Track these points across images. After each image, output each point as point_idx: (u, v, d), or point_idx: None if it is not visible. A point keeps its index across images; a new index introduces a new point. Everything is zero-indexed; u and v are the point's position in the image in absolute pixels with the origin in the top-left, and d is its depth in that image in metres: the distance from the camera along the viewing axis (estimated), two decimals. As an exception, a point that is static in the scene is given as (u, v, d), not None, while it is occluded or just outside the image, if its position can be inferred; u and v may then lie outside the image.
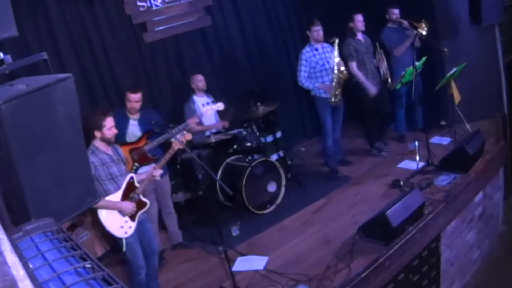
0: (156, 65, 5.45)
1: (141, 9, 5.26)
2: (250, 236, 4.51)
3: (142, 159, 4.11)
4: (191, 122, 4.29)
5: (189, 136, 3.74)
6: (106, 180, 3.42)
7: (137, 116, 4.21)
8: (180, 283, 4.03)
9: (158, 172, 3.60)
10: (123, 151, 3.98)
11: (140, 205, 3.53)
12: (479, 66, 5.41)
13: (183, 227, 4.68)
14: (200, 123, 5.04)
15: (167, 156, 3.69)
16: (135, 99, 4.10)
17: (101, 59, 5.01)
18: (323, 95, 5.23)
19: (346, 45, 5.27)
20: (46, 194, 1.69)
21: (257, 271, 3.88)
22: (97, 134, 3.42)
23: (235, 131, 5.19)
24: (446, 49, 5.27)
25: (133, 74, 5.24)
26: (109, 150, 3.50)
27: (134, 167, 4.08)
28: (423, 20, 5.07)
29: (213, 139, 4.90)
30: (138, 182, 3.54)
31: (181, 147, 3.66)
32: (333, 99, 5.20)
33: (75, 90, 1.75)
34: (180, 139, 3.65)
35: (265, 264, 3.96)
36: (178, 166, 4.83)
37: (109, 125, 3.43)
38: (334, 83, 5.13)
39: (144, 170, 4.05)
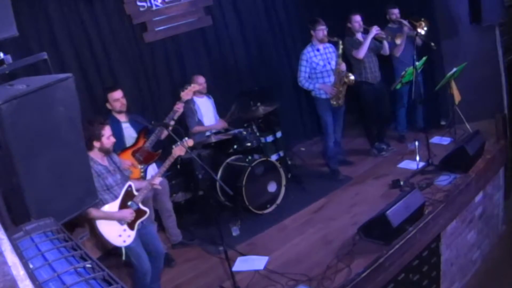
0: (156, 65, 5.45)
1: (141, 9, 5.25)
2: (250, 236, 4.50)
3: (147, 158, 4.12)
4: (178, 108, 4.22)
5: (191, 142, 3.72)
6: (102, 191, 3.36)
7: (127, 118, 4.22)
8: (180, 283, 4.03)
9: (158, 180, 3.58)
10: (126, 157, 3.98)
11: (139, 213, 3.48)
12: (479, 66, 5.41)
13: (183, 227, 4.68)
14: (200, 123, 5.04)
15: (167, 164, 3.66)
16: (120, 95, 4.14)
17: (101, 59, 5.01)
18: (323, 96, 5.21)
19: (346, 41, 5.26)
20: (46, 194, 1.69)
21: (257, 271, 3.88)
22: (96, 144, 3.38)
23: (235, 131, 5.19)
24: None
25: (133, 74, 5.24)
26: (104, 161, 3.47)
27: (142, 170, 4.08)
28: (422, 19, 5.07)
29: (213, 139, 4.90)
30: (137, 190, 3.50)
31: (181, 153, 3.65)
32: (334, 102, 5.17)
33: (75, 90, 1.75)
34: (181, 145, 3.64)
35: (265, 264, 3.96)
36: (178, 166, 4.82)
37: (107, 134, 3.40)
38: (335, 83, 5.12)
39: (153, 168, 4.14)
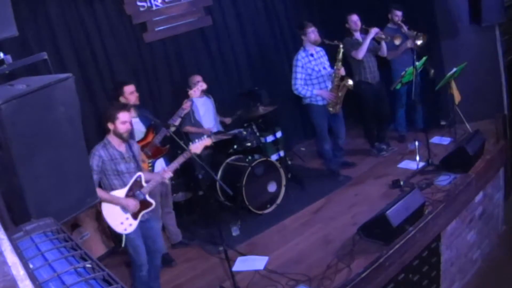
0: (156, 65, 5.45)
1: (141, 9, 5.25)
2: (250, 236, 4.51)
3: (156, 152, 4.16)
4: (186, 106, 4.28)
5: (209, 141, 3.72)
6: (112, 175, 3.44)
7: (136, 113, 4.26)
8: (180, 283, 4.03)
9: (168, 175, 3.60)
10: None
11: (145, 204, 3.52)
12: (479, 66, 5.41)
13: (183, 227, 4.68)
14: (196, 123, 5.02)
15: (181, 160, 3.68)
16: (134, 88, 4.20)
17: (101, 59, 5.01)
18: (320, 103, 5.13)
19: (346, 41, 5.24)
20: (46, 194, 1.69)
21: (257, 271, 3.88)
22: (110, 126, 3.44)
23: (235, 131, 5.19)
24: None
25: (133, 74, 5.24)
26: (121, 147, 3.50)
27: (150, 164, 4.11)
28: (423, 34, 5.12)
29: (213, 139, 4.88)
30: (147, 182, 3.54)
31: (198, 152, 3.64)
32: (331, 108, 5.11)
33: (75, 90, 1.75)
34: (197, 145, 3.64)
35: (265, 264, 3.96)
36: (178, 166, 4.83)
37: (122, 119, 3.43)
38: (332, 89, 5.07)
39: (160, 163, 4.20)
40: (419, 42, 5.10)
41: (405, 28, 5.33)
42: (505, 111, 5.48)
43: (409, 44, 5.32)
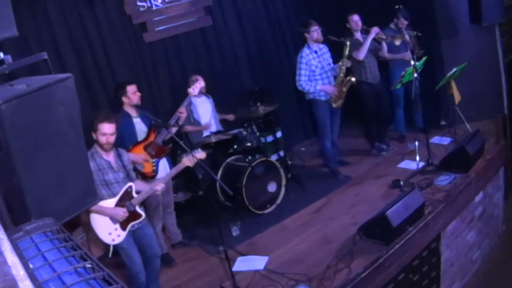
0: (156, 65, 5.45)
1: (141, 9, 5.26)
2: (250, 236, 4.51)
3: (159, 152, 4.16)
4: (181, 112, 4.26)
5: (202, 155, 3.71)
6: (100, 185, 3.36)
7: (137, 113, 4.26)
8: (180, 283, 4.03)
9: (160, 187, 3.55)
10: (139, 151, 3.98)
11: (133, 216, 3.47)
12: (479, 66, 5.41)
13: (183, 227, 4.68)
14: (196, 123, 5.02)
15: (173, 172, 3.67)
16: (136, 88, 4.21)
17: (101, 59, 5.01)
18: (323, 98, 5.19)
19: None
20: (46, 194, 1.69)
21: (257, 271, 3.88)
22: (94, 136, 3.40)
23: (235, 131, 5.19)
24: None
25: (133, 74, 5.24)
26: (109, 156, 3.45)
27: (154, 164, 4.11)
28: (423, 51, 5.14)
29: (213, 139, 4.90)
30: (137, 192, 3.48)
31: (190, 165, 3.61)
32: (334, 103, 5.17)
33: (75, 90, 1.75)
34: (193, 156, 3.61)
35: (265, 264, 3.96)
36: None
37: (102, 130, 3.35)
38: (336, 84, 5.12)
39: (163, 162, 4.21)
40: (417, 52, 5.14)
41: (407, 36, 5.34)
42: (505, 111, 5.48)
43: (407, 57, 5.39)
